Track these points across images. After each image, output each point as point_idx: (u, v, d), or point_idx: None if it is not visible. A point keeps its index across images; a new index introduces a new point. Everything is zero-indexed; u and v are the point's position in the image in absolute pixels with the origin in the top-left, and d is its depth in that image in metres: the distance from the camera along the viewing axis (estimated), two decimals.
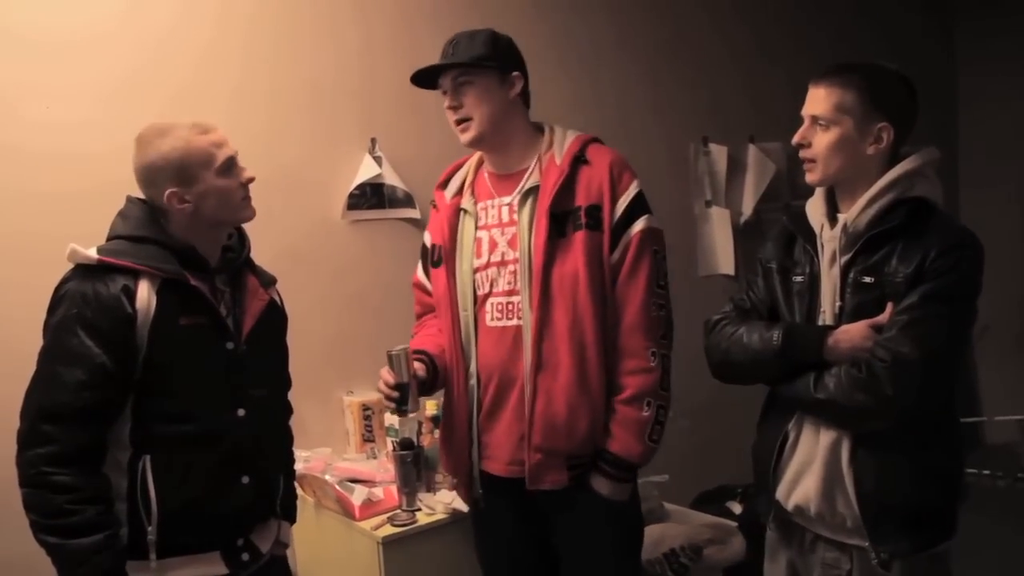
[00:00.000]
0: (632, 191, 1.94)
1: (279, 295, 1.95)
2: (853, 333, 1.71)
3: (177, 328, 1.66)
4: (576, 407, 1.88)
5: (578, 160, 1.93)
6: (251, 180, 1.76)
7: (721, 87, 3.90)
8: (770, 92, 3.94)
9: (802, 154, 1.80)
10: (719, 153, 3.86)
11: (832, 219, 1.82)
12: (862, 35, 4.46)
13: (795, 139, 1.80)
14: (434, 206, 2.08)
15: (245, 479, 1.75)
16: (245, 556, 1.78)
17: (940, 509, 1.77)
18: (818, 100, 1.76)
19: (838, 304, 1.77)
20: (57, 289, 1.66)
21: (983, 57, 5.02)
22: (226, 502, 1.73)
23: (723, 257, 3.85)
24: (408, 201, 2.92)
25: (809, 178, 1.82)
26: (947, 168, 5.04)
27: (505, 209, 1.96)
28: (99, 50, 2.40)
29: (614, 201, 1.91)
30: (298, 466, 2.55)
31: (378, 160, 2.84)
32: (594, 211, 1.89)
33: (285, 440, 1.98)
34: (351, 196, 2.82)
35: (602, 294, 1.90)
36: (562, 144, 1.95)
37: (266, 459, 1.83)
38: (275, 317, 1.90)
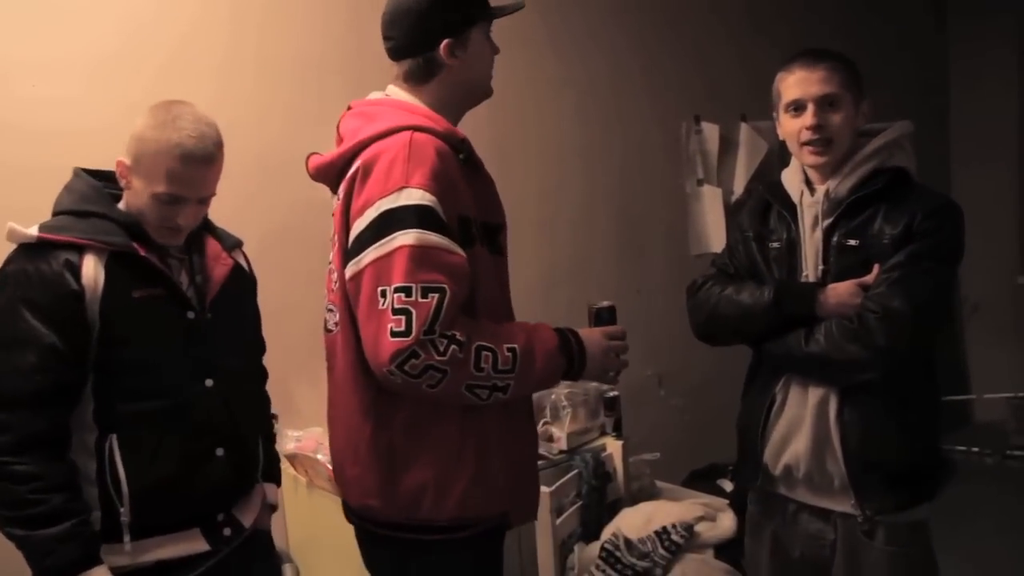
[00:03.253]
0: None
1: (246, 258, 1.89)
2: (841, 290, 1.76)
3: (131, 302, 1.60)
4: None
5: None
6: (178, 228, 1.65)
7: (714, 66, 3.88)
8: (763, 71, 3.89)
9: (816, 136, 1.79)
10: (711, 132, 3.85)
11: (810, 188, 1.86)
12: (856, 12, 4.44)
13: (812, 122, 1.79)
14: (469, 164, 1.63)
15: (219, 451, 1.70)
16: (227, 531, 1.73)
17: (921, 468, 1.81)
18: (823, 81, 1.78)
19: (821, 267, 1.82)
20: None
21: (975, 31, 5.00)
22: (201, 477, 1.67)
23: (715, 236, 3.84)
24: None
25: (820, 161, 1.82)
26: (938, 144, 5.05)
27: None
28: (83, 25, 2.36)
29: None
30: (290, 445, 2.57)
31: None
32: None
33: (263, 405, 1.94)
34: None
35: None
36: None
37: (241, 429, 1.77)
38: (241, 281, 1.83)
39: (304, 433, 2.62)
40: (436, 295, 1.45)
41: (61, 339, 1.54)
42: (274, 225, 2.60)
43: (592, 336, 1.65)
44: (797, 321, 1.79)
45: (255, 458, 1.84)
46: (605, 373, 1.67)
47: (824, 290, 1.78)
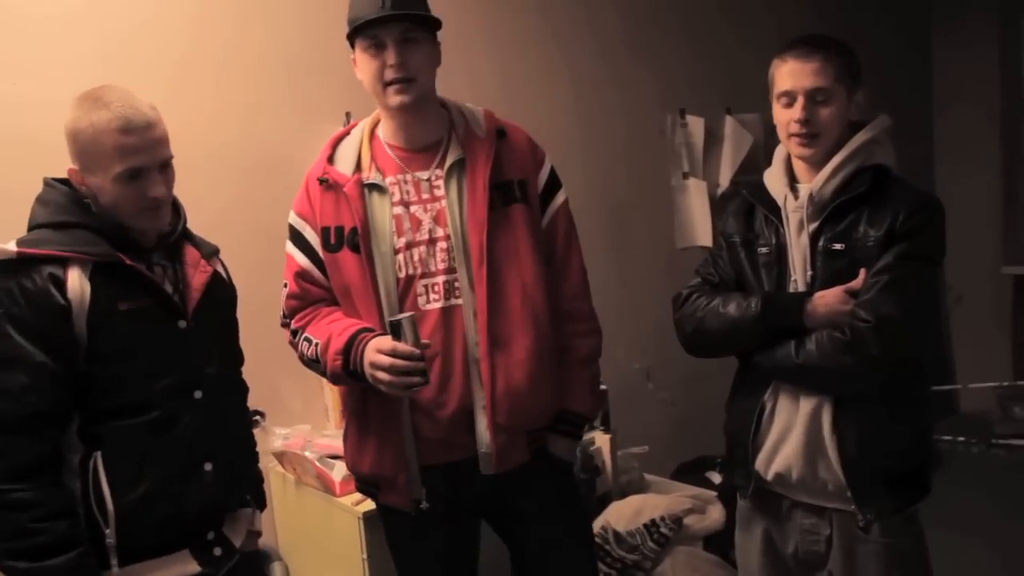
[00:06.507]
0: (548, 164, 1.98)
1: (224, 266, 1.83)
2: (830, 298, 1.74)
3: (117, 315, 1.54)
4: (538, 379, 1.85)
5: (500, 134, 1.90)
6: (157, 199, 1.57)
7: (699, 59, 3.88)
8: (747, 63, 3.91)
9: (804, 130, 1.77)
10: (696, 125, 3.85)
11: (794, 189, 1.84)
12: (840, 6, 4.45)
13: (800, 116, 1.76)
14: (325, 183, 1.86)
15: (207, 466, 1.63)
16: (218, 551, 1.66)
17: (918, 468, 1.81)
18: (814, 74, 1.75)
19: (809, 273, 1.79)
20: None
21: (958, 20, 5.02)
22: (189, 493, 1.61)
23: (701, 229, 3.85)
24: None
25: (807, 153, 1.79)
26: (922, 136, 5.08)
27: (424, 184, 1.85)
28: (75, 25, 2.34)
29: (536, 174, 1.94)
30: (278, 443, 2.56)
31: None
32: (523, 185, 1.90)
33: (245, 421, 1.88)
34: None
35: (543, 265, 1.91)
36: (475, 116, 1.91)
37: (228, 442, 1.71)
38: (221, 289, 1.77)
39: (292, 431, 2.61)
40: (284, 291, 1.92)
41: (51, 357, 1.49)
42: (260, 224, 2.59)
43: (370, 346, 1.74)
44: (785, 332, 1.76)
45: (243, 473, 1.79)
46: (378, 383, 1.73)
47: (812, 300, 1.75)
